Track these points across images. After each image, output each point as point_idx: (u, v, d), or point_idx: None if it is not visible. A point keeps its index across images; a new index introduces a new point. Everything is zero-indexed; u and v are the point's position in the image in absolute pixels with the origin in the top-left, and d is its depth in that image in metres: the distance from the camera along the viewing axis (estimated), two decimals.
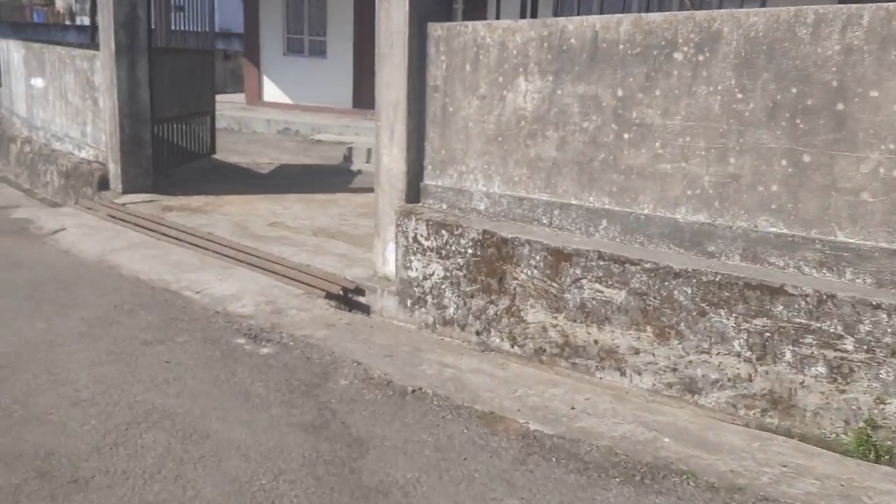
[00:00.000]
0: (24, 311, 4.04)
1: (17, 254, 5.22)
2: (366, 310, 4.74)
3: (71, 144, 8.18)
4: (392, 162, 4.61)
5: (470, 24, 4.27)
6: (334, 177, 8.97)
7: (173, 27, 7.95)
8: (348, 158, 9.85)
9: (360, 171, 9.38)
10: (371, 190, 8.51)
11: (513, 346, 3.99)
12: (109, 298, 4.31)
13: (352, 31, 14.03)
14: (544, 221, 4.02)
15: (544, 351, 3.86)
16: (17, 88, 10.20)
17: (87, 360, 3.39)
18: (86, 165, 7.52)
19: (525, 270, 3.89)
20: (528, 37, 3.99)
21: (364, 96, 14.10)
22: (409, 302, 4.47)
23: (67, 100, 8.18)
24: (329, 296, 4.66)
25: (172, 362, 3.39)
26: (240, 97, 15.92)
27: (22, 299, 4.24)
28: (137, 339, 3.66)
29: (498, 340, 4.05)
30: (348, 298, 4.78)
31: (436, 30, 4.41)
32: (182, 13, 8.01)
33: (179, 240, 5.67)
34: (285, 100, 14.71)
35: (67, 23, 28.35)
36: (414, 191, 4.60)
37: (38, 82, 9.09)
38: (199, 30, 8.40)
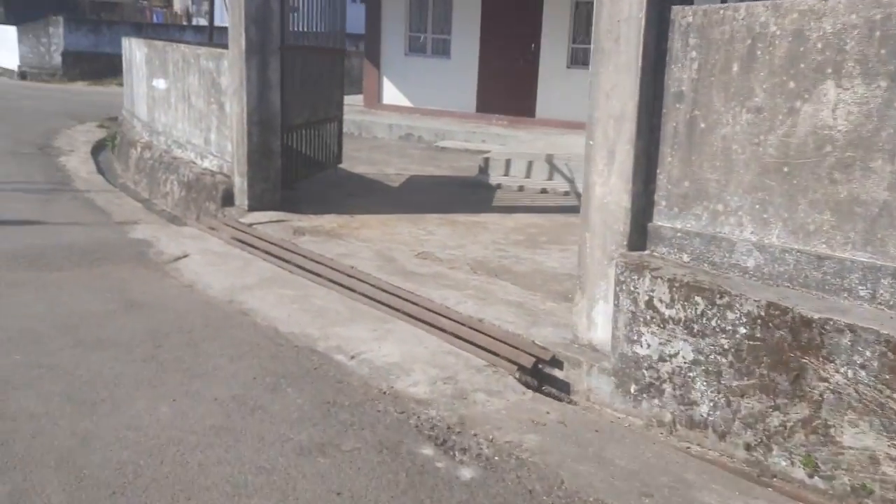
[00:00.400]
0: (143, 381, 3.14)
1: (136, 289, 4.40)
2: (563, 387, 3.60)
3: (193, 152, 7.49)
4: (609, 194, 3.44)
5: (742, 6, 3.04)
6: (472, 193, 7.89)
7: (291, 28, 7.04)
8: (484, 170, 8.75)
9: (499, 186, 8.26)
10: (520, 210, 7.47)
11: (811, 477, 2.73)
12: (246, 364, 3.36)
13: (478, 29, 12.96)
14: (862, 294, 2.74)
15: (871, 492, 2.58)
16: (138, 89, 9.72)
17: (229, 480, 2.41)
18: (209, 177, 6.77)
19: (844, 370, 2.62)
20: (846, 22, 2.72)
21: (489, 100, 13.02)
22: (632, 387, 3.28)
23: (190, 103, 7.49)
24: (519, 368, 3.55)
25: (344, 494, 2.35)
26: (355, 99, 15.13)
27: (141, 361, 3.36)
28: (290, 443, 2.66)
29: (784, 463, 2.80)
30: (538, 369, 3.65)
31: (684, 15, 3.21)
32: (296, 14, 7.07)
33: (318, 274, 4.72)
34: (405, 103, 13.80)
35: (185, 23, 28.93)
36: (639, 234, 3.42)
37: (159, 83, 8.50)
38: (325, 29, 7.46)
